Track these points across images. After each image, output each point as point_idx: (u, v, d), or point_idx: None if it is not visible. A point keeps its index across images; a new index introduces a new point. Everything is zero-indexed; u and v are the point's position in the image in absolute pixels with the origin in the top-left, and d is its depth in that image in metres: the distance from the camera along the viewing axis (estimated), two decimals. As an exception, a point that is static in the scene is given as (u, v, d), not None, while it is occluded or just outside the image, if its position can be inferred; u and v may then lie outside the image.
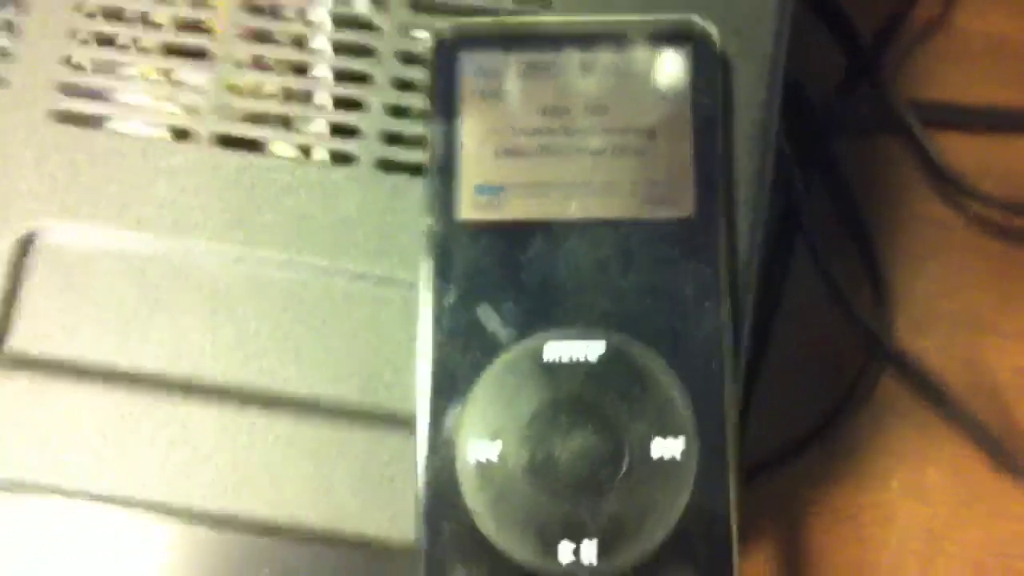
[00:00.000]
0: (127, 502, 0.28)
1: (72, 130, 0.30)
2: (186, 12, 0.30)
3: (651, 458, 0.26)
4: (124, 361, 0.29)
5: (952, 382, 0.50)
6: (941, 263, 0.53)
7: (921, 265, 0.53)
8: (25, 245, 0.29)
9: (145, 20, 0.31)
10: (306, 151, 0.30)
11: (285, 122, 0.30)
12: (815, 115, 0.53)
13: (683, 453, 0.27)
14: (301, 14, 0.30)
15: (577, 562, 0.26)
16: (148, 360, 0.29)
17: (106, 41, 0.30)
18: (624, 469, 0.26)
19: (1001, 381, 0.51)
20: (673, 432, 0.27)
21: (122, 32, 0.30)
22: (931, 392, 0.50)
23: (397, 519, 0.27)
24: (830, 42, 0.54)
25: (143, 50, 0.31)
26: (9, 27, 0.30)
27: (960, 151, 0.53)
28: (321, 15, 0.30)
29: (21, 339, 0.29)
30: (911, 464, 0.50)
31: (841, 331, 0.50)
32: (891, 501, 0.50)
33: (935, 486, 0.50)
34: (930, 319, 0.52)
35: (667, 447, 0.27)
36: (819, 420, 0.50)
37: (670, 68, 0.29)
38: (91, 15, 0.31)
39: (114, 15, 0.31)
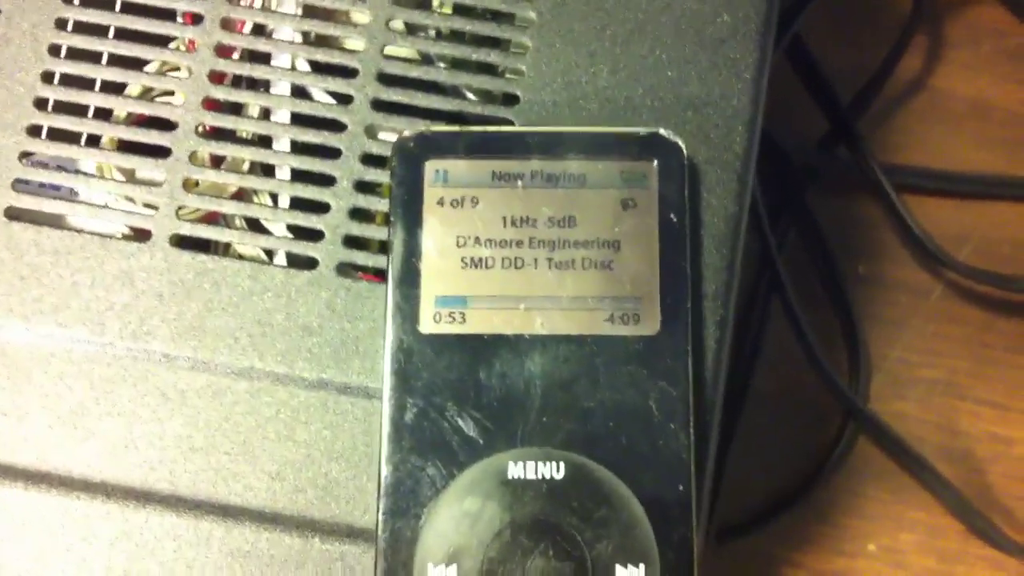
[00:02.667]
0: None
1: (28, 228, 0.29)
2: (147, 108, 0.30)
3: None
4: (76, 466, 0.28)
5: (927, 447, 0.50)
6: (917, 329, 0.53)
7: (897, 330, 0.53)
8: None
9: (105, 115, 0.30)
10: (268, 253, 0.30)
11: (249, 223, 0.30)
12: (793, 169, 0.53)
13: None
14: (264, 113, 0.30)
15: None
16: (102, 466, 0.28)
17: (65, 136, 0.30)
18: None
19: (975, 447, 0.52)
20: (636, 559, 0.26)
21: (81, 127, 0.30)
22: (907, 457, 0.50)
23: None
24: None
25: (102, 146, 0.30)
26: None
27: (940, 216, 0.53)
28: (284, 115, 0.30)
29: None
30: (887, 528, 0.50)
31: (819, 387, 0.50)
32: (866, 565, 0.50)
33: (910, 550, 0.50)
34: (906, 384, 0.52)
35: (630, 575, 0.26)
36: (796, 479, 0.50)
37: (637, 180, 0.28)
38: (50, 109, 0.30)
39: (74, 110, 0.30)
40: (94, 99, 0.30)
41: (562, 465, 0.27)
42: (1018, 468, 0.51)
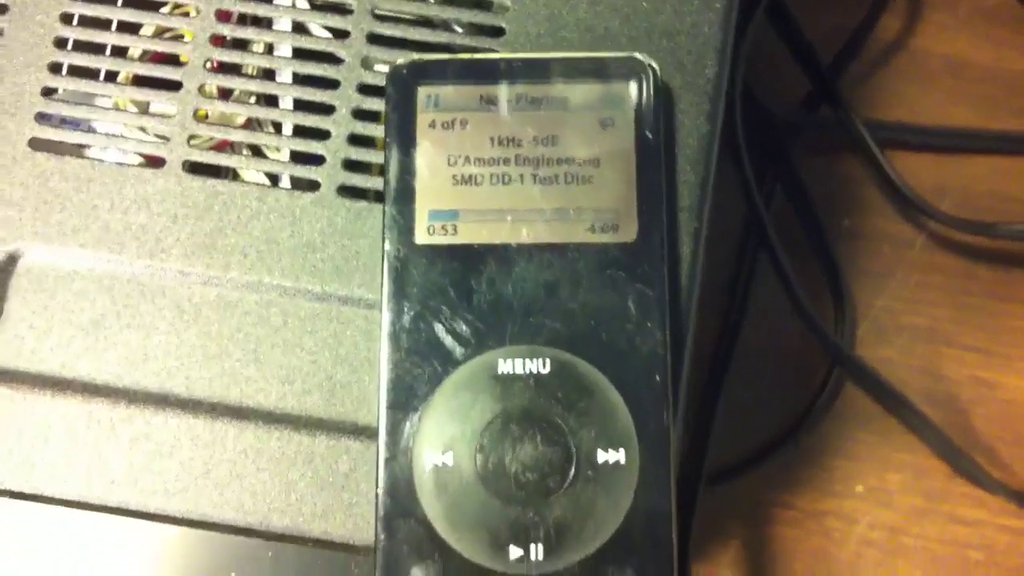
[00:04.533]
0: (102, 506, 0.29)
1: (51, 158, 0.31)
2: (159, 45, 0.32)
3: (596, 467, 0.28)
4: (101, 374, 0.30)
5: (912, 391, 0.51)
6: (901, 278, 0.54)
7: (882, 280, 0.54)
8: (7, 265, 0.31)
9: (120, 53, 0.32)
10: (273, 178, 0.32)
11: (255, 150, 0.32)
12: (777, 128, 0.54)
13: (626, 463, 0.28)
14: (268, 48, 0.32)
15: (526, 561, 0.28)
16: (123, 373, 0.30)
17: (83, 73, 0.32)
18: (571, 477, 0.28)
19: (959, 391, 0.53)
20: (616, 444, 0.28)
21: (98, 64, 0.32)
22: (892, 401, 0.51)
23: (358, 521, 0.29)
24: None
25: (118, 82, 0.32)
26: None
27: (919, 170, 0.54)
28: (285, 49, 0.32)
29: (3, 353, 0.30)
30: (874, 469, 0.51)
31: (805, 337, 0.51)
32: (854, 505, 0.51)
33: (896, 490, 0.51)
34: (891, 331, 0.53)
35: (611, 457, 0.28)
36: (784, 424, 0.52)
37: (615, 102, 0.30)
38: (69, 48, 0.32)
39: (91, 48, 0.32)
40: (110, 38, 0.32)
41: (548, 361, 0.29)
42: (1000, 410, 0.52)
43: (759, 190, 0.52)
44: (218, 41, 0.32)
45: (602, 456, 0.28)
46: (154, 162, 0.31)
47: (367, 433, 0.29)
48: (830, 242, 0.54)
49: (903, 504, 0.52)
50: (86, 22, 0.32)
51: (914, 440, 0.51)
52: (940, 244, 0.54)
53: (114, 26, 0.32)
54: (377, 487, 0.28)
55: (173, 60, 0.32)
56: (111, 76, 0.32)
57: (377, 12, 0.32)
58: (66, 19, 0.32)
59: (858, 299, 0.54)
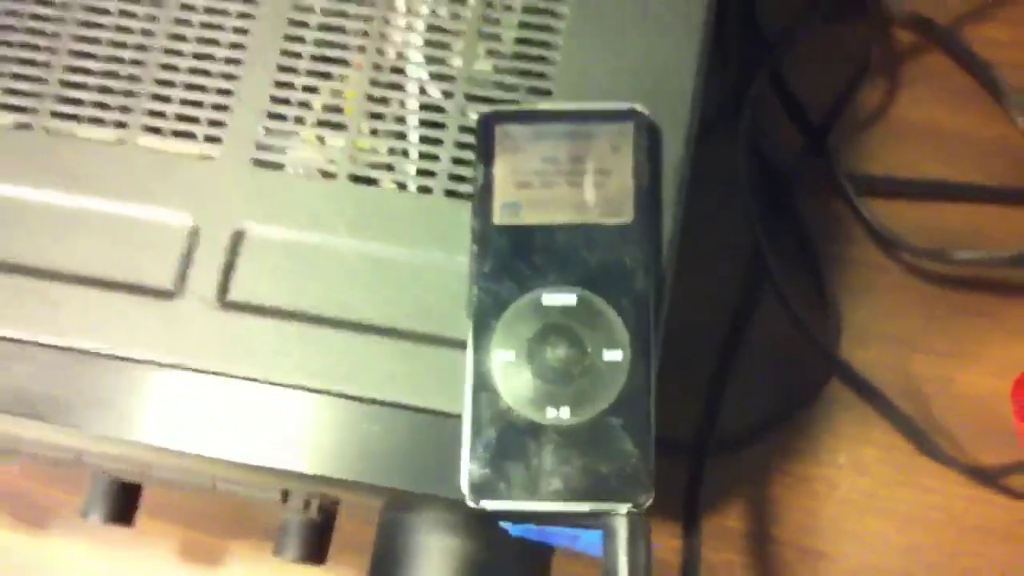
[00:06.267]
0: (281, 383, 0.43)
1: (266, 171, 0.47)
2: (330, 100, 0.49)
3: (602, 361, 0.40)
4: (294, 304, 0.46)
5: (886, 386, 0.61)
6: (879, 297, 0.63)
7: (863, 298, 0.63)
8: (238, 237, 0.45)
9: (305, 105, 0.49)
10: (402, 185, 0.48)
11: (391, 167, 0.49)
12: (779, 177, 0.65)
13: (621, 359, 0.40)
14: (401, 102, 0.49)
15: (557, 417, 0.40)
16: (307, 304, 0.45)
17: (284, 117, 0.49)
18: (586, 367, 0.40)
19: (923, 386, 0.62)
20: (616, 347, 0.40)
21: (293, 112, 0.49)
22: (869, 392, 0.60)
23: (453, 396, 0.41)
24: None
25: (306, 123, 0.49)
26: (223, 108, 0.49)
27: (896, 214, 0.64)
28: (413, 104, 0.49)
29: (236, 293, 0.44)
30: (854, 445, 0.61)
31: (799, 341, 0.60)
32: (837, 472, 0.60)
33: (872, 463, 0.60)
34: (870, 338, 0.62)
35: (612, 356, 0.40)
36: (780, 408, 0.61)
37: (620, 134, 0.43)
38: (276, 100, 0.49)
39: (287, 101, 0.49)
40: (299, 96, 0.49)
41: (574, 296, 0.41)
42: (957, 402, 0.62)
43: (763, 226, 0.62)
44: (370, 98, 0.49)
45: (607, 355, 0.40)
46: (328, 175, 0.48)
47: (460, 344, 0.41)
48: (821, 266, 0.64)
49: (877, 473, 0.61)
50: (284, 85, 0.49)
51: (887, 424, 0.61)
52: (911, 270, 0.64)
53: (302, 86, 0.49)
54: (466, 373, 0.41)
55: (339, 110, 0.49)
56: (300, 120, 0.49)
57: (472, 79, 0.48)
58: (274, 84, 0.49)
59: (843, 312, 0.63)
